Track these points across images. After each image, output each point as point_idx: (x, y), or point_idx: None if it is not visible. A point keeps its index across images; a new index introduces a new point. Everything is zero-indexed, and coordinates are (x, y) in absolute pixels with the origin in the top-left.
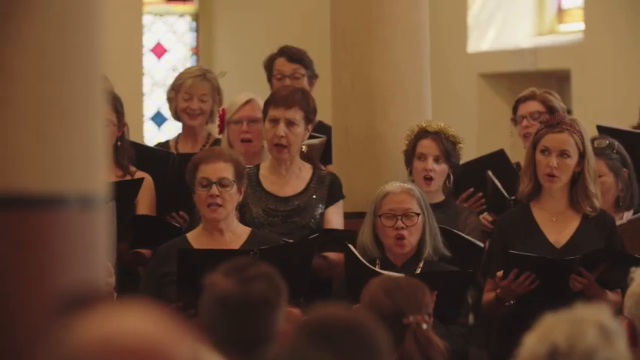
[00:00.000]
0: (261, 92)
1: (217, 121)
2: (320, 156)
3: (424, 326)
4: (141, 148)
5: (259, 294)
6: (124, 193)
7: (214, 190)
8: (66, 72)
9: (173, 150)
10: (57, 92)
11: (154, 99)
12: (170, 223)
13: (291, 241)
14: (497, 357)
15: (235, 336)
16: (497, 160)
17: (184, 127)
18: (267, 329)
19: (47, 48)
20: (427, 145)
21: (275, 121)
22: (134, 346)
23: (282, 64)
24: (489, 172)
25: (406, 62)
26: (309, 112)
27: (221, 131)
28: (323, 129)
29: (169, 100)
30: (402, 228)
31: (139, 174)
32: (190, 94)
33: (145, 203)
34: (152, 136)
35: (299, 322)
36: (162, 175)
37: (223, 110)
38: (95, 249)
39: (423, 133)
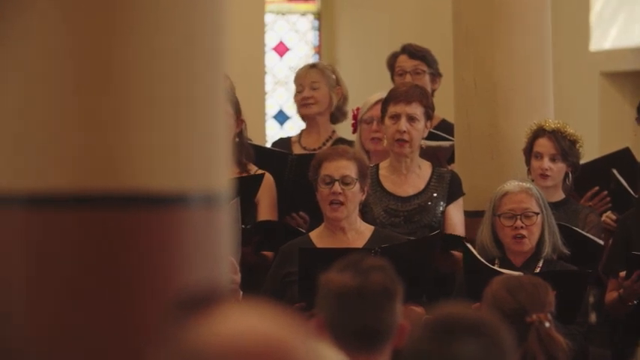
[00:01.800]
0: (385, 91)
1: (352, 121)
2: (447, 158)
3: (547, 324)
4: (259, 149)
5: (377, 283)
6: (245, 189)
7: (337, 187)
8: (189, 71)
9: (296, 145)
10: (181, 91)
11: (276, 97)
12: (292, 226)
13: (412, 238)
14: (620, 356)
15: (355, 329)
16: (622, 158)
17: (307, 121)
18: (386, 320)
19: (171, 48)
20: (544, 144)
21: (396, 117)
22: (255, 347)
23: (404, 61)
24: (614, 171)
25: (528, 61)
26: (429, 108)
27: (355, 130)
28: (447, 127)
29: (294, 99)
30: (521, 227)
31: (259, 172)
32: (302, 84)
33: (266, 202)
34: (274, 134)
35: (422, 319)
36: (281, 175)
37: (357, 110)
38: (219, 248)
39: (540, 132)
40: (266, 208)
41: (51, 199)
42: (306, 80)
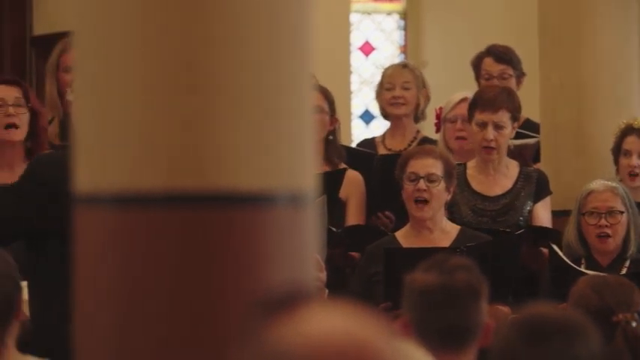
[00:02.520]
0: (470, 91)
1: (434, 120)
2: (533, 156)
3: (634, 324)
4: (345, 150)
5: (462, 282)
6: (328, 184)
7: (422, 184)
8: (275, 70)
9: (380, 146)
10: (266, 91)
11: (362, 97)
12: (379, 228)
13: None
14: None
15: (441, 328)
16: None
17: (392, 122)
18: (471, 319)
19: (257, 46)
20: (632, 142)
21: (482, 125)
22: (341, 347)
23: (490, 65)
24: None
25: (615, 60)
26: (515, 112)
27: (438, 130)
28: (531, 127)
29: (377, 97)
30: (606, 226)
31: (350, 172)
32: (392, 82)
33: (355, 201)
34: (360, 133)
35: (509, 319)
36: (367, 175)
37: (440, 109)
38: (304, 247)
39: (628, 130)
40: (355, 207)
41: (139, 199)
42: (399, 79)
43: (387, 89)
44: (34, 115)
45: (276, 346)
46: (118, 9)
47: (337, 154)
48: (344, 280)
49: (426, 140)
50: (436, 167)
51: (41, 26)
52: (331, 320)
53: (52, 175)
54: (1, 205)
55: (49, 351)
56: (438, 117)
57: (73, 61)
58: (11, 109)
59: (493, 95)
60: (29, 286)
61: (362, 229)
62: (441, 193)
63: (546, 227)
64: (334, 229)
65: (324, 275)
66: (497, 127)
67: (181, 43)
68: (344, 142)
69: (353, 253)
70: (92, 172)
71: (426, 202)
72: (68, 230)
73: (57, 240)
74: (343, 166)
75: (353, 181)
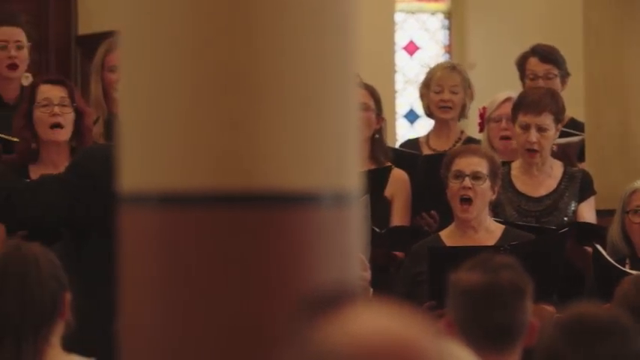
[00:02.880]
0: (514, 90)
1: (477, 119)
2: (577, 154)
3: None
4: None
5: (507, 281)
6: (373, 182)
7: (467, 182)
8: (320, 70)
9: (424, 146)
10: (311, 90)
11: (407, 96)
12: (422, 229)
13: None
14: None
15: (486, 328)
16: None
17: (436, 122)
18: (516, 318)
19: (301, 47)
20: None
21: (526, 127)
22: (386, 347)
23: (535, 65)
24: None
25: None
26: (559, 113)
27: (481, 130)
28: (575, 126)
29: (421, 96)
30: None
31: (395, 170)
32: (441, 85)
33: (401, 201)
34: (405, 133)
35: (554, 318)
36: (411, 175)
37: (484, 109)
38: (349, 247)
39: None
40: (400, 206)
41: (184, 199)
42: (447, 83)
43: (436, 92)
44: (79, 115)
45: (322, 346)
46: (165, 9)
47: (383, 153)
48: (388, 279)
49: (471, 140)
50: (482, 166)
51: (86, 26)
52: (376, 320)
53: (97, 169)
54: (45, 190)
55: (94, 351)
56: (481, 117)
57: (119, 60)
58: (57, 109)
59: (537, 97)
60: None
61: (404, 230)
62: (485, 192)
63: (591, 223)
64: (377, 230)
65: (368, 274)
66: (541, 129)
67: (227, 43)
68: (389, 141)
69: (396, 253)
70: (137, 171)
71: (470, 201)
72: (111, 227)
73: (100, 238)
74: (389, 164)
75: (398, 180)
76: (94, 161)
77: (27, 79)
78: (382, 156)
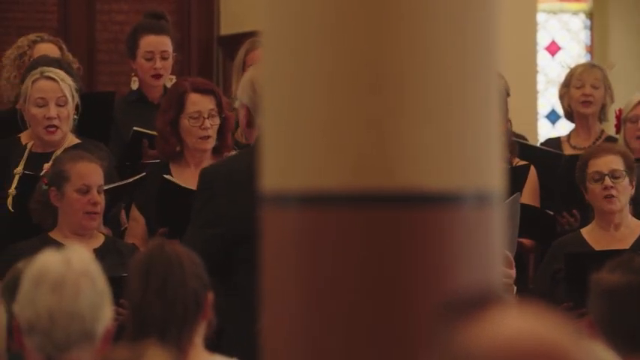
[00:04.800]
0: None
1: (614, 121)
2: None
3: None
4: (529, 148)
5: None
6: (513, 180)
7: (607, 181)
8: (462, 70)
9: (566, 145)
10: (454, 90)
11: (548, 97)
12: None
13: None
14: None
15: (628, 329)
16: None
17: (577, 120)
18: None
19: (444, 46)
20: None
21: None
22: (530, 349)
23: None
24: None
25: None
26: None
27: (618, 131)
28: None
29: (561, 97)
30: None
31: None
32: (582, 80)
33: (529, 193)
34: (546, 133)
35: None
36: (553, 174)
37: (620, 110)
38: (492, 248)
39: None
40: (528, 199)
41: (325, 198)
42: (588, 78)
43: (577, 87)
44: (223, 120)
45: (466, 348)
46: (308, 9)
47: (510, 150)
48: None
49: (611, 139)
50: (618, 163)
51: (228, 26)
52: (522, 322)
53: (219, 186)
54: (194, 248)
55: (237, 351)
56: (617, 118)
57: (261, 60)
58: (207, 123)
59: None
60: (217, 286)
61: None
62: (626, 188)
63: None
64: None
65: (513, 272)
66: None
67: (368, 42)
68: (531, 141)
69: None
70: (279, 171)
71: (612, 197)
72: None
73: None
74: (518, 161)
75: (530, 177)
76: (213, 179)
77: (170, 81)
78: (510, 154)
